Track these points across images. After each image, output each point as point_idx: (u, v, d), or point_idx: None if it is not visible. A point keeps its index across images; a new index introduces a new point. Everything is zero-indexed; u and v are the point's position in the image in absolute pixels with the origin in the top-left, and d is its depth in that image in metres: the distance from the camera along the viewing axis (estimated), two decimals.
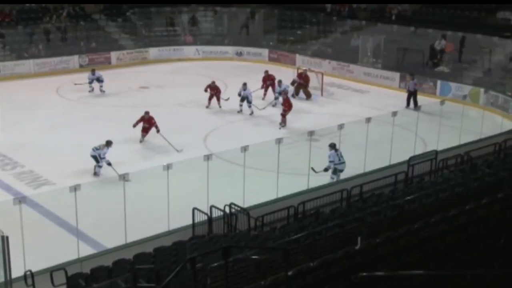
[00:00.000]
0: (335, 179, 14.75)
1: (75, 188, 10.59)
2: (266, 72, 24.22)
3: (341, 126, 14.58)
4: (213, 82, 22.59)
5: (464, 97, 20.03)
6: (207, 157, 12.51)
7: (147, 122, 18.26)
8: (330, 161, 14.73)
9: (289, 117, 20.20)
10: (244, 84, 21.71)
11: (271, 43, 32.38)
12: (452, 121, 17.91)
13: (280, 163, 13.55)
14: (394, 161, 15.04)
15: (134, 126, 18.20)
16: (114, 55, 30.29)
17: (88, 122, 20.52)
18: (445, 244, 7.52)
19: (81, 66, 29.05)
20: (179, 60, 31.14)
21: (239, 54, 32.06)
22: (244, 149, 12.87)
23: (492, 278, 6.11)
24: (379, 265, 6.89)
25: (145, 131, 18.30)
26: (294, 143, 15.92)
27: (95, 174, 15.56)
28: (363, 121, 14.97)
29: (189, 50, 31.94)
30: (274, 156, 13.63)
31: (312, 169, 14.41)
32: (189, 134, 18.84)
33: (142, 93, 24.74)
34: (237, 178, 13.38)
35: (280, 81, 22.83)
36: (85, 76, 24.88)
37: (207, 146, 17.86)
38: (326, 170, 14.71)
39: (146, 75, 27.94)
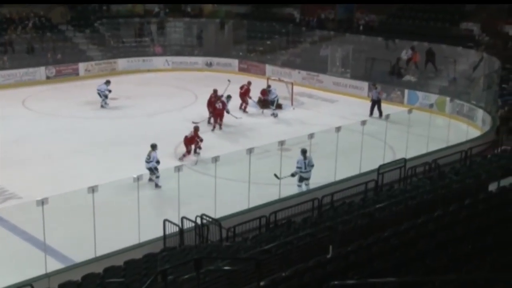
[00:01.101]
0: (302, 187, 14.75)
1: (42, 202, 10.40)
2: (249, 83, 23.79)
3: (311, 136, 14.68)
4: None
5: (431, 105, 20.37)
6: (178, 168, 12.42)
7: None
8: (298, 167, 14.69)
9: (259, 126, 20.22)
10: (269, 85, 22.87)
11: (241, 53, 32.57)
12: (419, 129, 18.19)
13: (251, 173, 13.55)
14: (364, 169, 15.21)
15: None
16: (82, 66, 29.94)
17: (55, 133, 20.20)
18: (415, 250, 7.64)
19: (48, 77, 28.63)
20: (149, 71, 30.98)
21: (209, 64, 32.09)
22: (215, 159, 12.82)
23: (461, 283, 6.22)
24: (350, 273, 6.95)
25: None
26: (265, 153, 15.86)
27: (157, 186, 15.39)
28: (333, 130, 15.11)
29: (159, 61, 31.87)
30: (245, 166, 13.61)
31: (275, 175, 14.44)
32: (159, 144, 18.41)
33: (111, 104, 24.47)
34: (209, 189, 13.32)
35: (269, 87, 23.20)
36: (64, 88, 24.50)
37: (178, 157, 17.75)
38: (293, 175, 14.71)
39: (115, 86, 27.45)
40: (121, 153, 18.02)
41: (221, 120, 20.77)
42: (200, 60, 32.25)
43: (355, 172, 15.23)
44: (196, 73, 30.95)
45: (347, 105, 24.53)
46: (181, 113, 23.15)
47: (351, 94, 26.01)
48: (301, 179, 14.79)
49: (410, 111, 17.49)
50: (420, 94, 24.33)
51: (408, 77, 25.73)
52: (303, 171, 14.70)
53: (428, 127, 17.92)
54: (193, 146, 17.82)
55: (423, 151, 16.69)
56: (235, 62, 31.81)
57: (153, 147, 15.62)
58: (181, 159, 17.52)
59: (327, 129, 16.15)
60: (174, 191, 12.57)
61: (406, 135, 16.92)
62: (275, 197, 13.87)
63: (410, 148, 16.43)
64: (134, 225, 11.87)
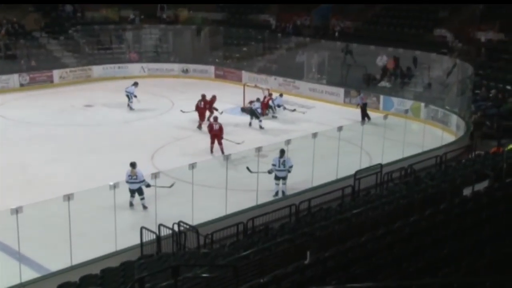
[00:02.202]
0: (279, 185, 15.06)
1: (16, 211, 10.28)
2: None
3: (288, 142, 14.81)
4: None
5: (406, 111, 20.62)
6: (155, 175, 12.37)
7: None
8: (272, 165, 15.09)
9: (236, 133, 20.16)
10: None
11: (217, 60, 32.53)
12: (395, 135, 18.34)
13: (228, 180, 13.55)
14: (341, 175, 15.31)
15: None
16: (56, 73, 29.52)
17: (30, 142, 19.95)
18: (392, 255, 7.70)
19: (21, 85, 28.22)
20: (124, 78, 30.56)
21: (185, 71, 31.98)
22: (192, 166, 12.79)
23: (437, 287, 6.28)
24: (328, 279, 6.99)
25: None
26: (242, 159, 15.91)
27: (144, 207, 14.26)
28: (309, 136, 15.20)
29: (134, 68, 31.59)
30: (222, 173, 13.63)
31: (247, 168, 14.60)
32: (136, 152, 18.42)
33: (87, 112, 24.25)
34: (186, 195, 13.27)
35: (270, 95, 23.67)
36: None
37: (155, 164, 17.66)
38: (269, 172, 15.06)
39: (91, 93, 27.43)
40: (97, 161, 17.86)
41: (219, 143, 18.60)
42: (176, 66, 32.07)
43: (332, 177, 15.32)
44: (172, 79, 30.82)
45: (324, 111, 24.68)
46: (158, 120, 23.05)
47: (328, 100, 26.17)
48: (277, 178, 15.09)
49: (385, 117, 17.66)
50: (395, 100, 24.57)
51: (383, 83, 25.99)
52: (277, 169, 15.03)
53: (404, 132, 18.10)
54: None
55: (399, 157, 16.86)
56: (211, 68, 31.75)
57: (134, 165, 14.40)
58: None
59: (304, 135, 16.25)
60: (151, 198, 12.47)
61: (382, 141, 17.04)
62: (252, 203, 13.88)
63: (386, 154, 16.56)
64: (110, 233, 11.76)
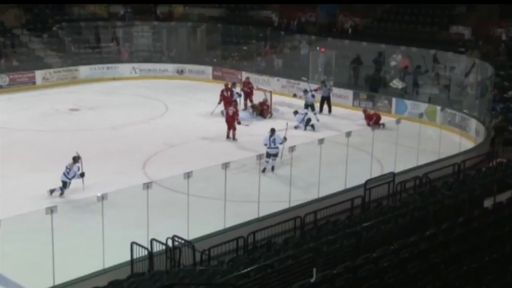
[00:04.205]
0: (269, 162, 17.14)
1: None
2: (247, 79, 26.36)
3: (292, 149, 14.64)
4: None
5: (421, 115, 20.52)
6: (147, 185, 12.31)
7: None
8: (264, 144, 17.33)
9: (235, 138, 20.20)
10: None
11: (215, 60, 32.46)
12: (409, 141, 18.23)
13: (227, 190, 13.48)
14: (350, 184, 15.26)
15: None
16: (39, 74, 29.52)
17: (9, 149, 19.80)
18: (406, 273, 7.70)
19: (0, 87, 28.23)
20: (114, 79, 30.67)
21: (180, 72, 31.96)
22: (188, 175, 12.71)
23: None
24: None
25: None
26: (242, 167, 15.91)
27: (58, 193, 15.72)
28: (315, 142, 15.14)
29: (125, 68, 31.56)
30: (220, 183, 13.57)
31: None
32: (126, 160, 18.58)
33: (72, 116, 24.22)
34: (181, 207, 13.25)
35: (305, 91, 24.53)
36: None
37: (147, 173, 17.61)
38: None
39: (76, 96, 27.38)
40: (83, 170, 17.74)
41: (230, 128, 20.96)
42: (170, 67, 32.10)
43: (340, 187, 15.28)
44: (166, 81, 30.70)
45: (331, 116, 24.61)
46: (150, 125, 22.99)
47: (335, 103, 25.95)
48: (268, 155, 17.10)
49: (398, 122, 17.54)
50: (408, 103, 24.51)
51: (395, 84, 25.94)
52: (269, 147, 17.26)
53: (418, 138, 18.00)
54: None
55: (413, 165, 16.79)
56: (208, 69, 31.69)
57: (75, 159, 15.98)
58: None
59: (309, 142, 16.26)
60: (142, 210, 12.39)
61: (394, 147, 16.96)
62: (253, 216, 13.80)
63: (399, 162, 16.49)
64: (98, 249, 11.71)
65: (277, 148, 17.19)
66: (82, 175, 15.71)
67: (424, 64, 25.64)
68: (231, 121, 20.90)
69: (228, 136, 20.83)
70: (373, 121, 22.52)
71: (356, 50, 27.52)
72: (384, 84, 26.14)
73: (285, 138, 17.62)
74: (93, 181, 16.00)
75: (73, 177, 15.74)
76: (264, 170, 16.74)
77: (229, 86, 24.06)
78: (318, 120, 23.12)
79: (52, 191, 15.64)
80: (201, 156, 18.83)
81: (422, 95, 24.98)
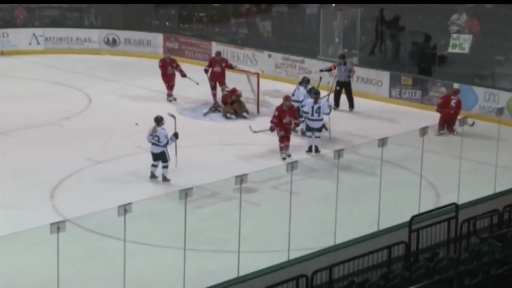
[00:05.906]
0: (312, 138, 15.61)
1: None
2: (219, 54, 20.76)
3: (292, 166, 11.84)
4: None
5: (500, 111, 16.36)
6: (57, 226, 10.21)
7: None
8: (304, 112, 15.69)
9: (199, 154, 16.77)
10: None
11: (167, 23, 26.52)
12: (480, 152, 15.46)
13: (188, 233, 10.91)
14: (386, 224, 12.53)
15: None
16: None
17: None
18: None
19: None
20: (2, 53, 25.23)
21: (112, 42, 25.89)
22: (124, 209, 10.39)
23: None
24: None
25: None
26: (213, 197, 13.42)
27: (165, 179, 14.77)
28: (330, 154, 12.92)
29: (21, 37, 25.60)
30: (177, 221, 10.96)
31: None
32: (23, 184, 14.96)
33: None
34: (112, 260, 11.14)
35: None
36: None
37: (56, 206, 14.31)
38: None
39: None
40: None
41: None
42: (95, 34, 25.90)
43: (370, 229, 12.52)
44: (89, 57, 25.26)
45: (353, 113, 20.31)
46: (63, 129, 18.53)
47: (359, 91, 21.00)
48: (309, 129, 15.71)
49: (470, 123, 15.38)
50: (479, 91, 19.81)
51: (458, 43, 21.25)
52: (310, 118, 15.53)
53: (496, 149, 14.83)
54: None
55: (488, 192, 13.88)
56: (157, 38, 25.37)
57: (159, 121, 14.62)
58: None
59: (320, 154, 15.32)
60: (51, 265, 9.63)
61: (457, 163, 13.81)
62: (230, 275, 11.09)
63: (465, 186, 13.53)
64: None
65: (322, 120, 15.77)
66: (175, 135, 14.84)
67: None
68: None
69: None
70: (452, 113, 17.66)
71: (395, 9, 22.74)
72: (440, 62, 21.32)
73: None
74: None
75: (167, 143, 14.83)
76: (310, 149, 15.75)
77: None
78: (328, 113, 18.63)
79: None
80: (145, 177, 15.40)
81: (502, 78, 20.64)
